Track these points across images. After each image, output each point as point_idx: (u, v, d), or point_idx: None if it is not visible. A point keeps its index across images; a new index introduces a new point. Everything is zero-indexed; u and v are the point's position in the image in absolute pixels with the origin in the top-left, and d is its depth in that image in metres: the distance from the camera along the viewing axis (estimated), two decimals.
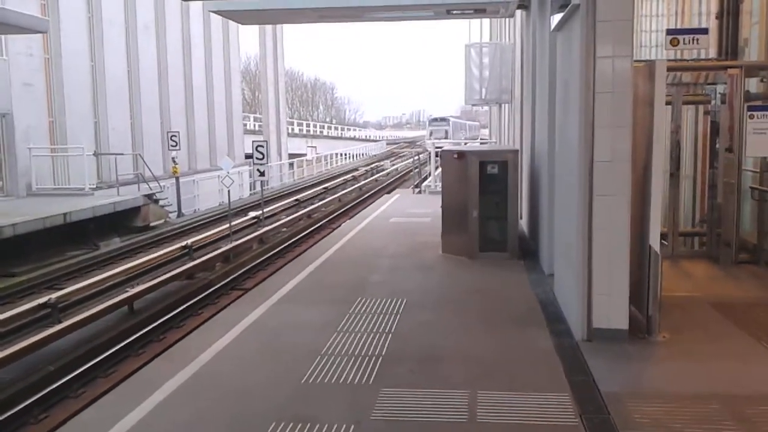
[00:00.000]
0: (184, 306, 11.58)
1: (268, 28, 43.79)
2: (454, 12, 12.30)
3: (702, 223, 10.32)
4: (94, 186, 20.80)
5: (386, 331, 6.65)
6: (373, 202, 21.05)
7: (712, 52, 10.27)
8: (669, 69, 7.77)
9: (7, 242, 14.02)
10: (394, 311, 7.33)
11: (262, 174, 18.83)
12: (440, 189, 11.83)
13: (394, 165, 49.97)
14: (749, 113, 8.28)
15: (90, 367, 8.76)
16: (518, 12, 12.93)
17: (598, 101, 5.88)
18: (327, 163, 49.07)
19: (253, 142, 19.28)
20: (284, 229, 19.42)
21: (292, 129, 57.67)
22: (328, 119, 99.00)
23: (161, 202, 21.56)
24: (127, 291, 11.64)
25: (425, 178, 24.75)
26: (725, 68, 8.92)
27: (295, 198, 26.83)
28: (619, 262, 5.96)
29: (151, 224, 19.87)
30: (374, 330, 6.68)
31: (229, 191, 17.06)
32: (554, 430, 4.47)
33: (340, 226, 16.28)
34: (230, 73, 36.79)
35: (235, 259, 15.26)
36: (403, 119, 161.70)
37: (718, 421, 4.50)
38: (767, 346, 5.94)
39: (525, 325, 6.78)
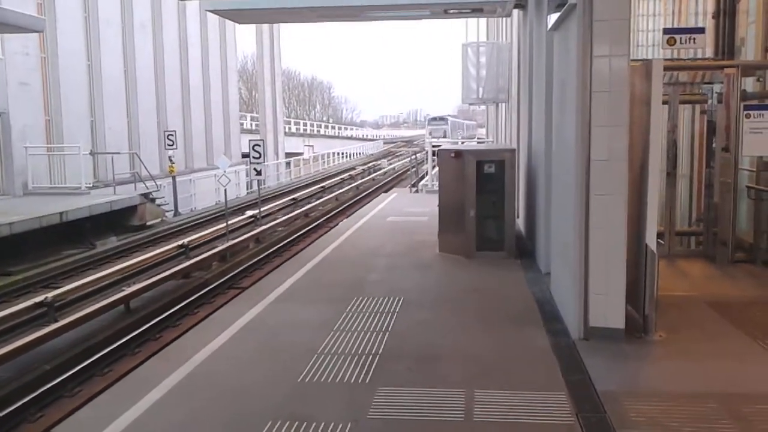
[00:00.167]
0: (180, 305, 11.56)
1: (265, 27, 43.75)
2: (452, 11, 12.30)
3: (698, 222, 10.34)
4: (91, 185, 20.73)
5: (383, 329, 6.65)
6: (371, 201, 21.06)
7: (709, 52, 10.28)
8: (666, 68, 7.81)
9: (3, 241, 13.98)
10: (391, 310, 7.33)
11: (258, 173, 18.81)
12: (437, 188, 11.84)
13: (391, 164, 49.97)
14: (746, 112, 8.29)
15: (86, 366, 8.74)
16: (515, 11, 12.94)
17: (594, 100, 5.88)
18: (324, 162, 49.05)
19: (249, 141, 19.25)
20: (281, 228, 19.41)
21: (289, 128, 57.61)
22: (325, 118, 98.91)
23: (158, 201, 21.53)
24: (123, 290, 11.62)
25: (422, 177, 24.77)
26: (722, 68, 8.93)
27: (292, 197, 26.81)
28: (616, 261, 5.97)
29: (148, 223, 19.84)
30: (371, 329, 6.67)
31: (225, 190, 17.04)
32: (551, 428, 4.48)
33: (337, 225, 16.29)
34: (227, 73, 36.74)
35: (231, 258, 15.24)
36: (400, 118, 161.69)
37: (715, 420, 4.51)
38: (763, 345, 5.95)
39: (522, 324, 6.78)
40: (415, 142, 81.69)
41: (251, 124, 50.66)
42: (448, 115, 69.40)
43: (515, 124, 13.52)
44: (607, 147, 5.88)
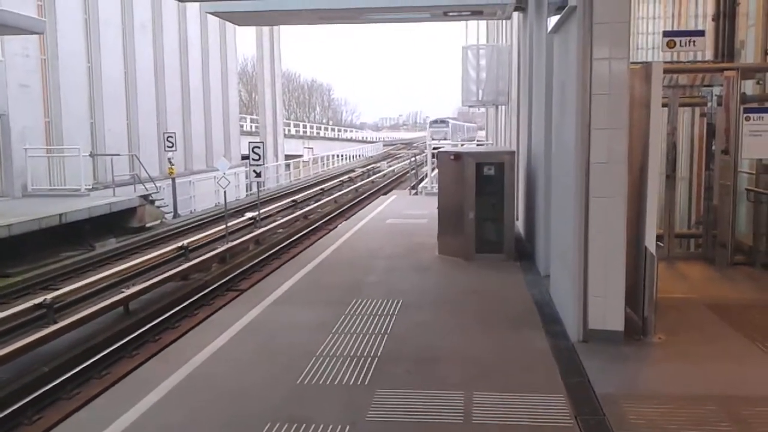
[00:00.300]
0: (179, 307, 11.55)
1: (265, 29, 43.78)
2: (451, 14, 12.32)
3: (698, 224, 10.34)
4: (90, 187, 20.74)
5: (382, 332, 6.64)
6: (370, 203, 21.04)
7: (709, 55, 10.29)
8: (665, 71, 7.80)
9: (2, 243, 13.98)
10: (390, 312, 7.33)
11: (258, 175, 18.81)
12: (437, 190, 11.84)
13: (390, 166, 49.99)
14: (745, 115, 8.30)
15: (85, 368, 8.73)
16: (515, 14, 12.95)
17: (594, 103, 5.88)
18: (323, 164, 49.05)
19: (249, 143, 19.26)
20: (280, 230, 19.40)
21: (289, 130, 57.62)
22: (324, 121, 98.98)
23: (157, 203, 21.53)
24: (122, 292, 11.61)
25: (422, 180, 24.77)
26: (721, 70, 8.93)
27: (291, 199, 26.81)
28: (615, 264, 5.96)
29: (147, 225, 19.84)
30: (370, 331, 6.67)
31: (225, 192, 17.04)
32: (550, 431, 4.47)
33: (336, 227, 16.29)
34: (227, 75, 36.76)
35: (231, 260, 15.23)
36: (400, 120, 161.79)
37: (714, 423, 4.50)
38: (762, 348, 5.95)
39: (521, 327, 6.77)
40: (414, 145, 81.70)
41: (251, 126, 50.67)
42: (449, 118, 70.21)
43: (515, 126, 13.53)
44: (607, 149, 5.87)
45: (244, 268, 14.78)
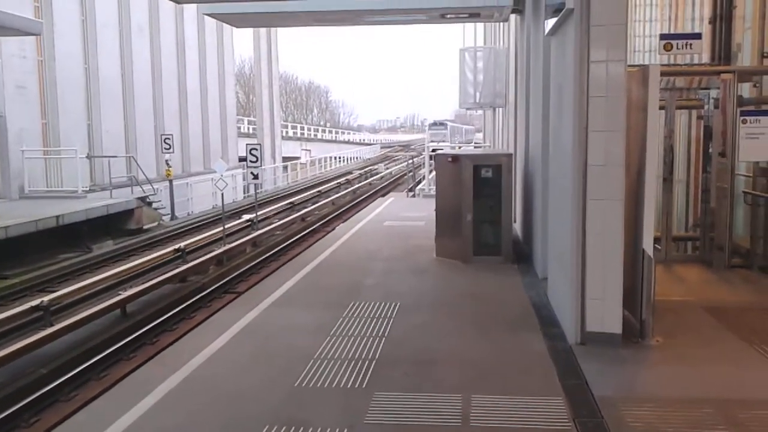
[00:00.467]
0: (177, 309, 11.53)
1: (263, 31, 43.80)
2: (449, 16, 12.33)
3: (695, 227, 10.35)
4: (87, 188, 20.73)
5: (380, 334, 6.64)
6: (368, 205, 21.05)
7: (705, 57, 10.31)
8: (662, 74, 7.81)
9: None
10: (388, 315, 7.32)
11: (255, 177, 18.81)
12: (434, 192, 11.84)
13: (388, 168, 50.01)
14: (742, 118, 8.32)
15: (82, 370, 8.71)
16: (512, 16, 12.97)
17: (591, 105, 5.89)
18: (321, 166, 49.05)
19: (246, 145, 19.26)
20: (278, 232, 19.40)
21: (286, 132, 57.62)
22: (322, 122, 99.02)
23: (154, 205, 21.51)
24: (119, 294, 11.60)
25: (419, 182, 24.79)
26: (718, 73, 8.95)
27: (289, 201, 26.80)
28: (613, 266, 5.97)
29: (144, 227, 19.82)
30: (368, 333, 6.66)
31: (222, 194, 17.03)
32: None
33: (334, 229, 16.27)
34: (224, 76, 36.76)
35: (228, 262, 15.22)
36: (398, 122, 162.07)
37: (711, 426, 4.51)
38: (760, 351, 5.96)
39: (519, 329, 6.78)
40: (412, 147, 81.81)
41: (248, 128, 50.62)
42: (447, 120, 71.01)
43: (512, 128, 13.54)
44: (604, 152, 5.88)
45: (242, 270, 14.77)
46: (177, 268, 13.82)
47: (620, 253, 5.96)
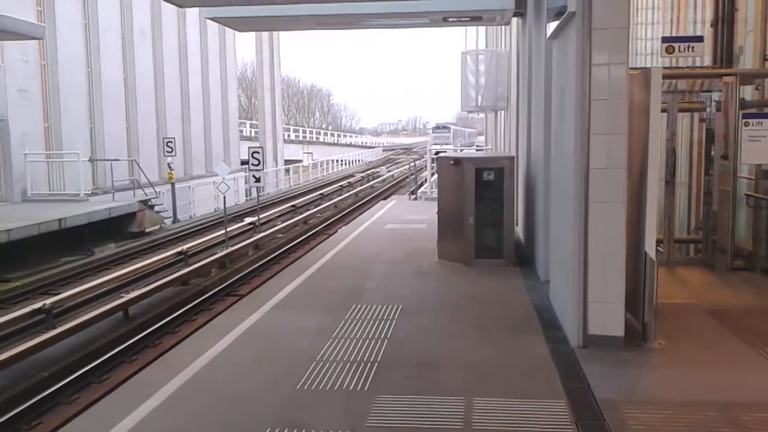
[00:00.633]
0: (179, 312, 11.54)
1: (265, 34, 43.86)
2: (451, 19, 12.34)
3: (697, 230, 10.34)
4: (90, 192, 20.76)
5: (382, 337, 6.64)
6: (369, 208, 21.05)
7: (707, 60, 10.31)
8: (664, 76, 7.82)
9: (1, 248, 13.97)
10: (390, 317, 7.32)
11: (257, 180, 18.82)
12: (436, 195, 11.84)
13: (390, 171, 50.03)
14: (744, 121, 8.32)
15: (84, 373, 8.72)
16: (514, 19, 12.98)
17: (593, 108, 5.89)
18: (323, 169, 49.08)
19: (249, 148, 19.29)
20: (280, 235, 19.41)
21: (288, 135, 57.69)
22: (324, 126, 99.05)
23: (157, 208, 21.53)
24: (122, 297, 11.61)
25: (421, 185, 24.79)
26: (720, 76, 8.95)
27: (291, 204, 26.82)
28: (615, 269, 5.96)
29: (147, 230, 19.83)
30: (370, 336, 6.66)
31: (224, 197, 17.05)
32: None
33: (336, 232, 16.29)
34: (226, 80, 36.80)
35: (230, 265, 15.23)
36: (400, 126, 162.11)
37: (714, 429, 4.50)
38: (762, 353, 5.95)
39: (521, 332, 6.77)
40: (414, 149, 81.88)
41: (250, 132, 50.72)
42: (450, 124, 71.80)
43: (514, 131, 13.54)
44: (606, 155, 5.88)
45: (244, 273, 14.77)
46: (179, 270, 13.83)
47: (622, 256, 5.95)
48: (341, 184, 37.93)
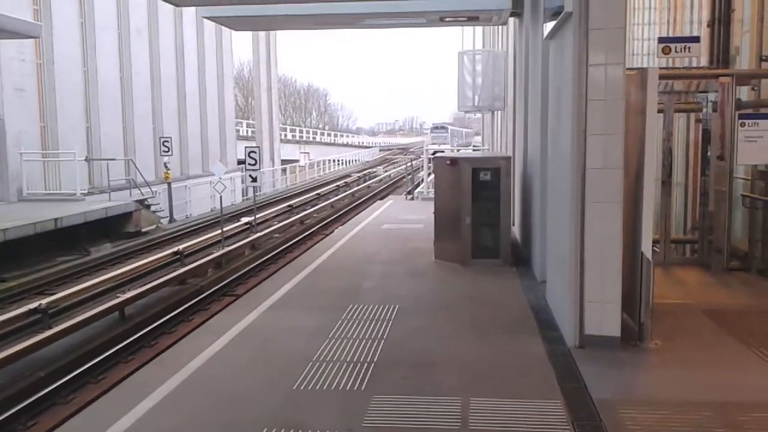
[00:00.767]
0: (175, 312, 11.52)
1: (262, 34, 43.80)
2: (448, 19, 12.34)
3: (693, 230, 10.36)
4: (86, 191, 20.73)
5: (378, 337, 6.63)
6: (366, 208, 21.05)
7: (704, 61, 10.33)
8: (661, 77, 7.84)
9: None
10: (387, 317, 7.32)
11: (254, 180, 18.81)
12: (433, 195, 11.83)
13: (387, 171, 50.04)
14: (740, 121, 8.33)
15: (80, 373, 8.70)
16: (511, 20, 12.98)
17: (590, 108, 5.90)
18: (320, 169, 49.07)
19: (245, 148, 19.27)
20: (276, 235, 19.39)
21: (285, 135, 57.62)
22: (321, 125, 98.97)
23: (153, 208, 21.50)
24: (118, 297, 11.59)
25: (418, 185, 24.79)
26: (716, 76, 8.96)
27: (287, 204, 26.80)
28: (611, 269, 5.97)
29: (143, 230, 19.81)
30: (366, 336, 6.66)
31: (221, 197, 17.03)
32: None
33: (332, 232, 16.28)
34: (223, 79, 36.76)
35: (227, 264, 15.21)
36: (396, 126, 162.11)
37: (710, 429, 4.50)
38: (759, 354, 5.96)
39: (517, 332, 6.77)
40: (411, 149, 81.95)
41: (247, 131, 50.65)
42: (447, 124, 72.52)
43: (511, 131, 13.55)
44: (603, 155, 5.89)
45: (241, 273, 14.76)
46: (175, 270, 13.81)
47: (619, 256, 5.96)
48: (338, 184, 37.93)
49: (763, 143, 8.28)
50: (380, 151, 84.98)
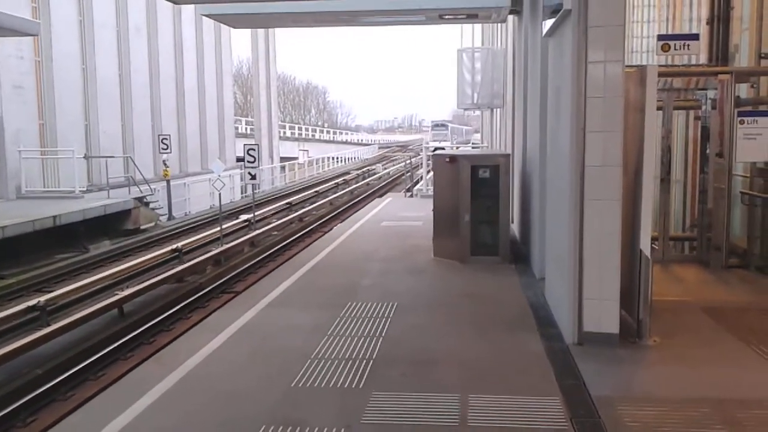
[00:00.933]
0: (174, 309, 11.51)
1: (261, 31, 43.78)
2: (447, 17, 12.33)
3: (692, 227, 10.37)
4: (85, 189, 20.72)
5: (377, 334, 6.63)
6: (365, 205, 21.04)
7: (703, 58, 10.33)
8: (660, 74, 7.82)
9: None
10: (385, 315, 7.32)
11: (253, 177, 18.80)
12: (432, 193, 11.84)
13: (386, 169, 50.04)
14: (739, 119, 8.33)
15: (79, 370, 8.69)
16: (510, 17, 12.97)
17: (589, 106, 5.89)
18: (319, 166, 49.05)
19: (244, 145, 19.25)
20: (275, 233, 19.38)
21: (284, 132, 57.64)
22: (320, 123, 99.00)
23: (152, 205, 21.48)
24: (116, 294, 11.58)
25: (417, 182, 24.79)
26: (716, 74, 8.96)
27: (286, 201, 26.79)
28: (610, 266, 5.97)
29: (142, 227, 19.79)
30: (365, 333, 6.66)
31: (220, 194, 17.02)
32: None
33: (331, 229, 16.28)
34: (222, 77, 36.74)
35: (225, 262, 15.20)
36: (395, 123, 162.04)
37: (709, 426, 4.51)
38: (757, 351, 5.96)
39: (516, 329, 6.77)
40: (410, 147, 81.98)
41: (246, 129, 50.62)
42: (447, 122, 73.15)
43: (510, 129, 13.55)
44: (602, 153, 5.88)
45: (239, 270, 14.75)
46: (174, 268, 13.81)
47: (617, 254, 5.96)
48: (337, 181, 37.90)
49: (762, 141, 8.28)
50: (379, 148, 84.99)
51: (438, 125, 71.13)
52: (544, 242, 8.24)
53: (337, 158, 56.37)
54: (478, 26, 23.78)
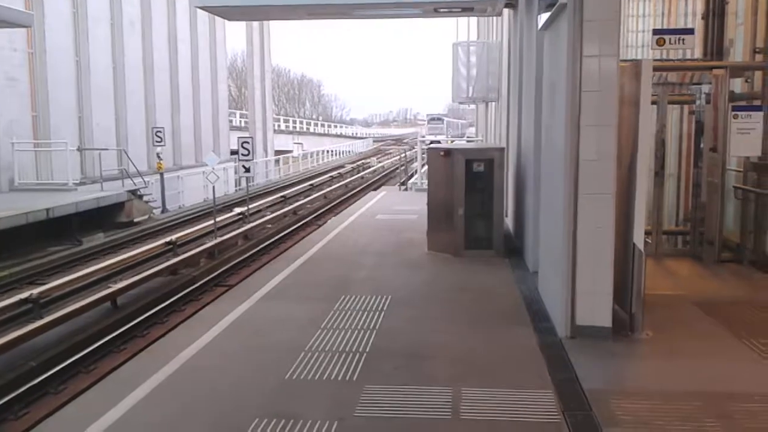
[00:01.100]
0: (167, 302, 11.50)
1: (255, 24, 43.58)
2: (442, 10, 12.27)
3: (686, 221, 10.40)
4: (78, 181, 20.62)
5: (371, 328, 6.64)
6: (360, 199, 21.03)
7: (698, 53, 10.34)
8: (655, 69, 7.83)
9: None
10: (379, 308, 7.32)
11: (247, 170, 18.76)
12: (426, 187, 11.83)
13: (380, 162, 50.01)
14: (733, 113, 8.35)
15: (72, 362, 8.68)
16: (506, 11, 12.95)
17: (584, 100, 5.89)
18: (313, 160, 48.98)
19: (238, 138, 19.21)
20: (269, 226, 19.36)
21: (279, 126, 57.51)
22: (314, 116, 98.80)
23: (145, 198, 21.41)
24: (110, 287, 11.55)
25: (411, 176, 24.78)
26: (710, 68, 8.98)
27: (280, 194, 26.75)
28: (603, 260, 5.98)
29: (135, 220, 19.73)
30: (359, 327, 6.66)
31: (213, 187, 16.98)
32: (537, 427, 4.48)
33: (325, 222, 16.27)
34: (216, 70, 36.59)
35: (219, 255, 15.18)
36: (390, 116, 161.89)
37: (700, 419, 4.53)
38: (749, 344, 5.99)
39: (509, 323, 6.79)
40: (405, 140, 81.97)
41: (240, 122, 50.52)
42: (443, 115, 73.64)
43: (505, 123, 13.54)
44: (596, 146, 5.89)
45: (233, 263, 14.74)
46: (168, 260, 13.78)
47: (611, 247, 5.97)
48: (331, 174, 37.88)
49: (756, 135, 8.31)
50: (374, 142, 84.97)
51: (434, 119, 71.60)
52: (538, 236, 8.25)
53: (332, 151, 56.32)
54: (473, 20, 23.72)
